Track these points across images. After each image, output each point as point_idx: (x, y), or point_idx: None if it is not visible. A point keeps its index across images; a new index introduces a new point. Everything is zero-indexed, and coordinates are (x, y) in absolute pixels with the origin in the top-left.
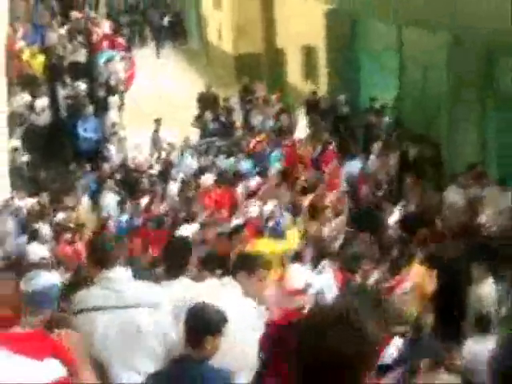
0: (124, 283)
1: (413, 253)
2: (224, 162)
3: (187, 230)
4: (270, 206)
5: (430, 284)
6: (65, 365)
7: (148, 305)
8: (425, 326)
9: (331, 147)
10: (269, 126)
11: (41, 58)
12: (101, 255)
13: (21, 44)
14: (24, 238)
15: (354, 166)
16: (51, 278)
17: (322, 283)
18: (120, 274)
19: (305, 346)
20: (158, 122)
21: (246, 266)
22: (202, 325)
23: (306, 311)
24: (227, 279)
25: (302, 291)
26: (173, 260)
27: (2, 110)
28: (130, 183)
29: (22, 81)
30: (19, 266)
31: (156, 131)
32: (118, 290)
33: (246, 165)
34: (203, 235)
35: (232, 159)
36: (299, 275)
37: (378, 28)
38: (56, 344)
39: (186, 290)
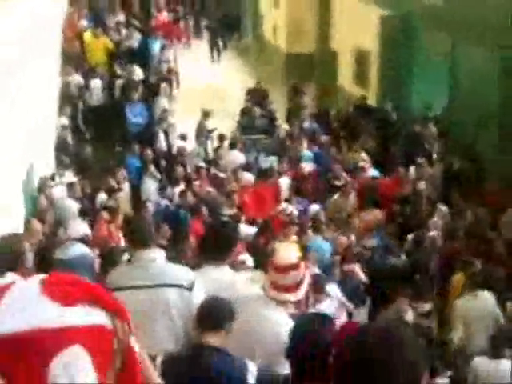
0: (158, 264)
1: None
2: (265, 161)
3: (246, 231)
4: (316, 206)
5: None
6: (108, 314)
7: (179, 286)
8: None
9: None
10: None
11: (104, 41)
12: (138, 236)
13: (83, 25)
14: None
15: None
16: (84, 249)
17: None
18: (155, 256)
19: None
20: (205, 112)
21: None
22: (222, 312)
23: (304, 287)
24: (258, 274)
25: (295, 266)
26: (219, 246)
27: (54, 90)
28: (171, 170)
29: (75, 61)
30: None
31: (203, 121)
32: (152, 270)
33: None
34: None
35: (273, 157)
36: (289, 251)
37: (432, 36)
38: (94, 289)
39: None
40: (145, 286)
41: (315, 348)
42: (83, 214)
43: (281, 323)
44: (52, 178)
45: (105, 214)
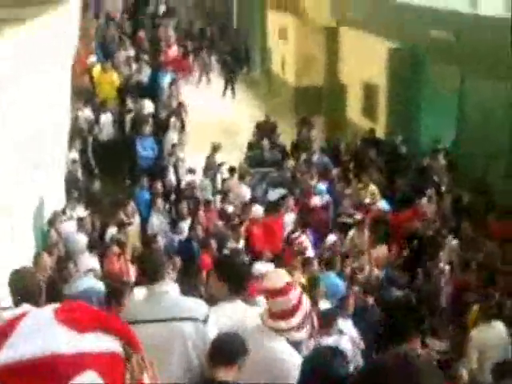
0: (171, 297)
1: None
2: (274, 193)
3: (262, 268)
4: (333, 237)
5: None
6: (120, 342)
7: (194, 319)
8: None
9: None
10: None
11: (112, 75)
12: (150, 269)
13: (92, 60)
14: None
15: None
16: (93, 283)
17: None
18: (167, 288)
19: None
20: (215, 146)
21: None
22: (234, 347)
23: (300, 315)
24: None
25: (283, 291)
26: (233, 280)
27: (64, 124)
28: (180, 204)
29: (85, 96)
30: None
31: (212, 155)
32: (164, 303)
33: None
34: None
35: (282, 190)
36: (278, 276)
37: (441, 69)
38: (109, 318)
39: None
40: (157, 320)
41: (326, 380)
42: (92, 248)
43: (282, 350)
44: (63, 212)
45: (115, 248)
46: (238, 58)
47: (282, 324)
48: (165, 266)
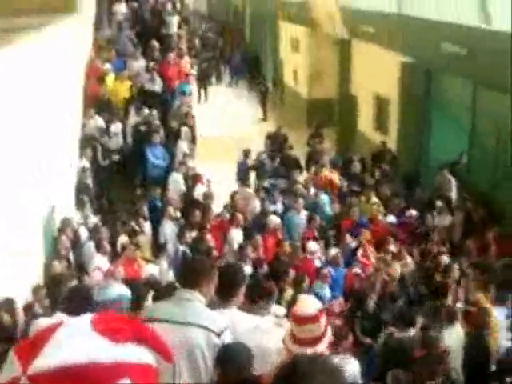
0: (194, 305)
1: None
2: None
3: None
4: (334, 251)
5: None
6: (155, 353)
7: (209, 329)
8: None
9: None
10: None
11: (127, 85)
12: (186, 275)
13: (106, 68)
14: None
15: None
16: (121, 290)
17: None
18: (193, 297)
19: None
20: (246, 152)
21: None
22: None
23: (325, 343)
24: (283, 320)
25: (315, 318)
26: (221, 287)
27: (75, 131)
28: (188, 213)
29: (98, 104)
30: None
31: (244, 161)
32: (185, 309)
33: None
34: None
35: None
36: (310, 302)
37: (453, 84)
38: (144, 330)
39: (239, 323)
40: (173, 321)
41: None
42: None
43: None
44: (76, 220)
45: (127, 254)
46: (249, 70)
47: (308, 351)
48: (200, 276)
